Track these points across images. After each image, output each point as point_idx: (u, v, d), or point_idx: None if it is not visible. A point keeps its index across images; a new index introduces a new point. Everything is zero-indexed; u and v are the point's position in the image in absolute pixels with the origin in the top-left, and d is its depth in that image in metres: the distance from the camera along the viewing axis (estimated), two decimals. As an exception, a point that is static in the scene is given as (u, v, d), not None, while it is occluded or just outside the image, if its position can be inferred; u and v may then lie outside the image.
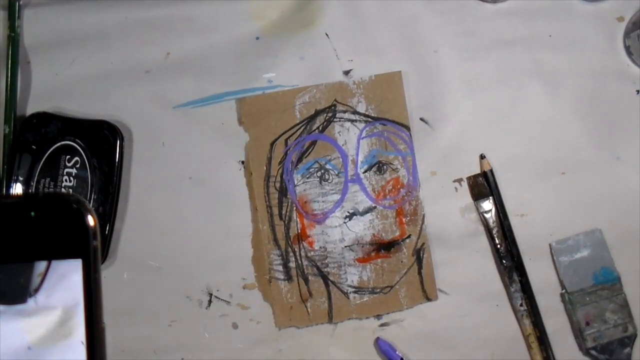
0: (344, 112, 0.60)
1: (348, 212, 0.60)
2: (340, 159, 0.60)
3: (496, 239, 0.60)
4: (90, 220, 0.30)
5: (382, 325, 0.60)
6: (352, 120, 0.60)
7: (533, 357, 0.60)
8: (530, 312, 0.59)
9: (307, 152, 0.60)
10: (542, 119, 0.61)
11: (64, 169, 0.58)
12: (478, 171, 0.61)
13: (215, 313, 0.60)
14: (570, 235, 0.60)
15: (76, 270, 0.29)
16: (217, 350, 0.60)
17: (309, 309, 0.60)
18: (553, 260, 0.60)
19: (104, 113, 0.60)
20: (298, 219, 0.60)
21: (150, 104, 0.60)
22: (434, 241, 0.60)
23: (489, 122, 0.61)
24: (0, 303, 0.30)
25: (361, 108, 0.60)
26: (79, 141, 0.58)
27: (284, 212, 0.60)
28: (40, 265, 0.30)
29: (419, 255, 0.60)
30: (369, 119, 0.60)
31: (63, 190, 0.58)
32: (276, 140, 0.60)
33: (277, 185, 0.60)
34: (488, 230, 0.60)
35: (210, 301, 0.60)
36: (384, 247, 0.60)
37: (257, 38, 0.61)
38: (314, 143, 0.60)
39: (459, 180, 0.61)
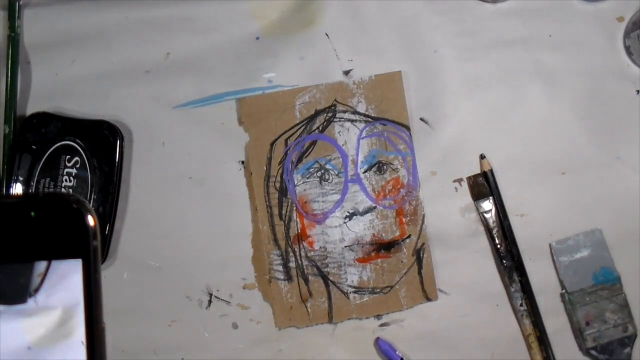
0: (344, 112, 0.60)
1: (348, 212, 0.60)
2: (340, 159, 0.60)
3: (496, 239, 0.60)
4: (90, 220, 0.30)
5: (382, 325, 0.60)
6: (352, 120, 0.60)
7: (533, 357, 0.60)
8: (530, 312, 0.59)
9: (307, 152, 0.60)
10: (542, 119, 0.61)
11: (64, 169, 0.58)
12: (478, 171, 0.61)
13: (215, 313, 0.60)
14: (570, 235, 0.60)
15: (76, 270, 0.29)
16: (217, 350, 0.60)
17: (309, 309, 0.60)
18: (553, 260, 0.60)
19: (104, 113, 0.60)
20: (298, 219, 0.60)
21: (150, 104, 0.60)
22: (434, 241, 0.60)
23: (489, 122, 0.61)
24: (0, 303, 0.30)
25: (361, 108, 0.60)
26: (79, 141, 0.58)
27: (284, 212, 0.60)
28: (40, 265, 0.30)
29: (419, 255, 0.60)
30: (369, 119, 0.60)
31: (63, 190, 0.58)
32: (276, 140, 0.60)
33: (277, 185, 0.60)
34: (488, 230, 0.60)
35: (210, 301, 0.60)
36: (384, 247, 0.60)
37: (257, 38, 0.61)
38: (314, 143, 0.60)
39: (459, 180, 0.61)
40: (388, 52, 0.61)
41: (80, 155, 0.58)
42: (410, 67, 0.60)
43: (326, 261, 0.60)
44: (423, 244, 0.60)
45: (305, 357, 0.60)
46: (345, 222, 0.60)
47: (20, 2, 0.60)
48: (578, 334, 0.59)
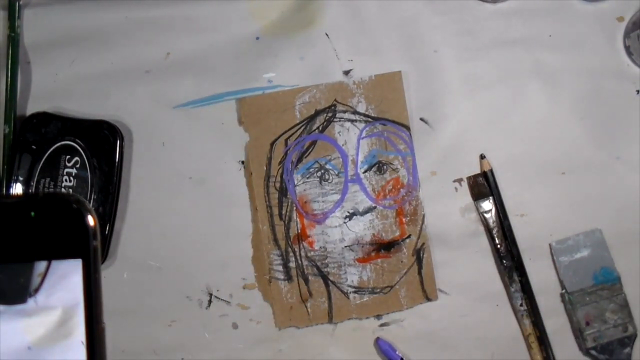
0: (344, 112, 0.60)
1: (348, 212, 0.60)
2: (340, 159, 0.60)
3: (496, 239, 0.60)
4: (90, 220, 0.30)
5: (382, 325, 0.60)
6: (352, 120, 0.60)
7: (533, 357, 0.60)
8: (530, 312, 0.59)
9: (307, 152, 0.60)
10: (542, 119, 0.61)
11: (64, 169, 0.58)
12: (478, 171, 0.61)
13: (215, 313, 0.60)
14: (570, 235, 0.60)
15: (76, 270, 0.29)
16: (217, 350, 0.60)
17: (309, 309, 0.60)
18: (553, 260, 0.60)
19: (104, 113, 0.60)
20: (298, 219, 0.60)
21: (150, 104, 0.60)
22: (434, 241, 0.60)
23: (489, 122, 0.61)
24: (0, 303, 0.30)
25: (361, 108, 0.60)
26: (79, 141, 0.58)
27: (284, 212, 0.60)
28: (40, 265, 0.30)
29: (419, 255, 0.60)
30: (369, 119, 0.60)
31: (63, 190, 0.58)
32: (276, 140, 0.60)
33: (277, 185, 0.60)
34: (488, 230, 0.60)
35: (210, 301, 0.60)
36: (384, 247, 0.60)
37: (257, 38, 0.61)
38: (314, 143, 0.60)
39: (459, 180, 0.61)
40: (388, 52, 0.61)
41: (80, 155, 0.58)
42: (410, 67, 0.60)
43: (326, 261, 0.60)
44: (423, 244, 0.60)
45: (305, 357, 0.60)
46: (345, 222, 0.60)
47: (20, 2, 0.60)
48: (578, 334, 0.59)
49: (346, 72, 0.61)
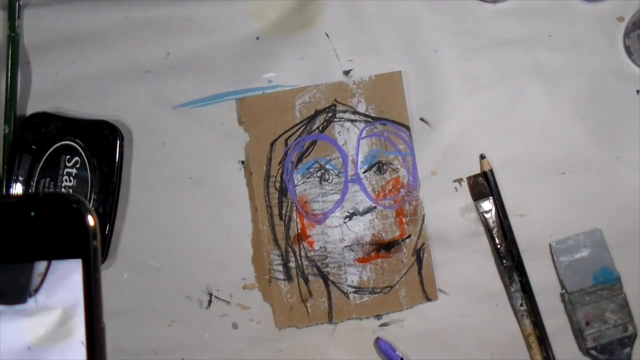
0: (344, 112, 0.60)
1: (348, 212, 0.60)
2: (340, 159, 0.60)
3: (496, 239, 0.60)
4: (90, 220, 0.30)
5: (382, 325, 0.60)
6: (352, 120, 0.60)
7: (533, 357, 0.60)
8: (530, 312, 0.59)
9: (307, 152, 0.60)
10: (542, 119, 0.61)
11: (64, 169, 0.58)
12: (478, 171, 0.61)
13: (215, 313, 0.60)
14: (570, 235, 0.60)
15: (76, 270, 0.29)
16: (217, 350, 0.60)
17: (309, 309, 0.60)
18: (553, 260, 0.60)
19: (104, 113, 0.60)
20: (298, 219, 0.60)
21: (150, 104, 0.60)
22: (434, 241, 0.60)
23: (489, 122, 0.61)
24: (0, 303, 0.30)
25: (361, 108, 0.60)
26: (79, 141, 0.58)
27: (284, 212, 0.60)
28: (40, 265, 0.29)
29: (419, 255, 0.60)
30: (369, 119, 0.60)
31: (63, 190, 0.58)
32: (276, 140, 0.60)
33: (277, 185, 0.60)
34: (488, 230, 0.60)
35: (210, 301, 0.60)
36: (384, 247, 0.60)
37: (257, 38, 0.61)
38: (314, 143, 0.60)
39: (459, 180, 0.61)
40: (388, 52, 0.61)
41: (80, 155, 0.58)
42: (410, 67, 0.60)
43: (326, 261, 0.60)
44: (423, 244, 0.60)
45: (305, 357, 0.60)
46: (345, 222, 0.60)
47: (20, 2, 0.60)
48: (578, 334, 0.59)
49: (346, 72, 0.61)
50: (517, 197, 0.60)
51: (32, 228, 0.29)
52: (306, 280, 0.60)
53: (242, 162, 0.60)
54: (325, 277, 0.60)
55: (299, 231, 0.60)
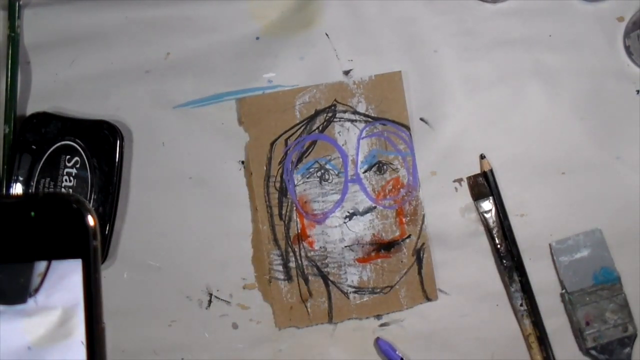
0: (344, 112, 0.60)
1: (348, 212, 0.60)
2: (340, 159, 0.60)
3: (496, 239, 0.60)
4: (90, 220, 0.30)
5: (382, 325, 0.60)
6: (352, 120, 0.60)
7: (533, 357, 0.60)
8: (530, 312, 0.59)
9: (307, 152, 0.60)
10: (542, 119, 0.61)
11: (64, 169, 0.58)
12: (478, 171, 0.61)
13: (215, 313, 0.60)
14: (570, 235, 0.60)
15: (76, 270, 0.29)
16: (217, 350, 0.60)
17: (309, 309, 0.60)
18: (553, 260, 0.60)
19: (104, 113, 0.60)
20: (298, 219, 0.60)
21: (150, 104, 0.60)
22: (434, 241, 0.60)
23: (489, 122, 0.61)
24: (0, 303, 0.30)
25: (361, 108, 0.60)
26: (79, 141, 0.58)
27: (284, 212, 0.60)
28: (40, 265, 0.29)
29: (419, 255, 0.60)
30: (369, 119, 0.60)
31: (63, 190, 0.58)
32: (276, 140, 0.60)
33: (277, 185, 0.60)
34: (488, 230, 0.60)
35: (210, 301, 0.60)
36: (384, 247, 0.60)
37: (257, 38, 0.61)
38: (314, 143, 0.60)
39: (459, 180, 0.61)
40: (388, 52, 0.61)
41: (80, 155, 0.58)
42: (410, 67, 0.60)
43: (326, 261, 0.60)
44: (423, 244, 0.60)
45: (305, 357, 0.60)
46: (345, 222, 0.60)
47: (20, 2, 0.60)
48: (578, 334, 0.59)
49: (346, 72, 0.61)
50: (517, 197, 0.60)
51: (32, 228, 0.29)
52: (306, 280, 0.60)
53: (242, 162, 0.60)
54: (325, 277, 0.60)
55: (299, 231, 0.60)
